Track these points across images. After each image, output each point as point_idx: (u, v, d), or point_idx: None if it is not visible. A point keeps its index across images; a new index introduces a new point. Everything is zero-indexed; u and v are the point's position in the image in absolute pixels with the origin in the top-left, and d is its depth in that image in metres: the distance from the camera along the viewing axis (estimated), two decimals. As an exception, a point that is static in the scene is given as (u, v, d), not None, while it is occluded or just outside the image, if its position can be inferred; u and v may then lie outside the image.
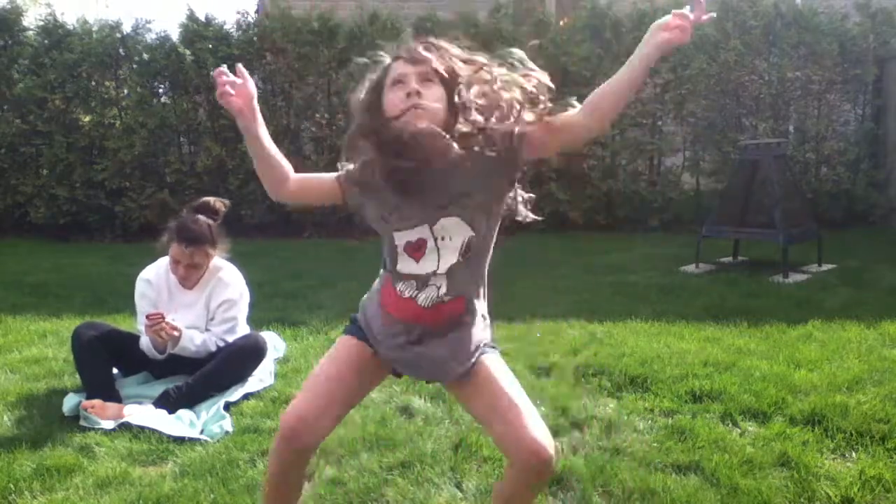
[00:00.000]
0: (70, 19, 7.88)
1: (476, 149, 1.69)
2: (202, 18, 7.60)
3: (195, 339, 3.26)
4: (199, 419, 2.97)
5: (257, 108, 1.87)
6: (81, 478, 2.48)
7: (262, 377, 3.35)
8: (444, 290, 1.78)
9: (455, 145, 1.67)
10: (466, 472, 2.48)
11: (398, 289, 1.81)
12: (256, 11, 9.34)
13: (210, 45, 7.44)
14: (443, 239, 1.76)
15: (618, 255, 6.41)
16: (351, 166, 1.84)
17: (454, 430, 2.82)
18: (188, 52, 7.52)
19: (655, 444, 2.66)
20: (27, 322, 4.39)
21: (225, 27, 7.60)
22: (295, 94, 7.65)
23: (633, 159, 7.86)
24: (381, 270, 1.91)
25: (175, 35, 7.62)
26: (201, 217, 3.30)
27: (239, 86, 1.86)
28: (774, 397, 3.03)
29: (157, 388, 3.21)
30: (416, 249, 1.78)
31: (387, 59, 1.80)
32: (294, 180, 1.89)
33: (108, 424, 2.89)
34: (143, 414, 2.96)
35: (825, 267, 5.68)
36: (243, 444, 2.71)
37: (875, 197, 7.72)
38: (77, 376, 3.43)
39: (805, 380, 3.23)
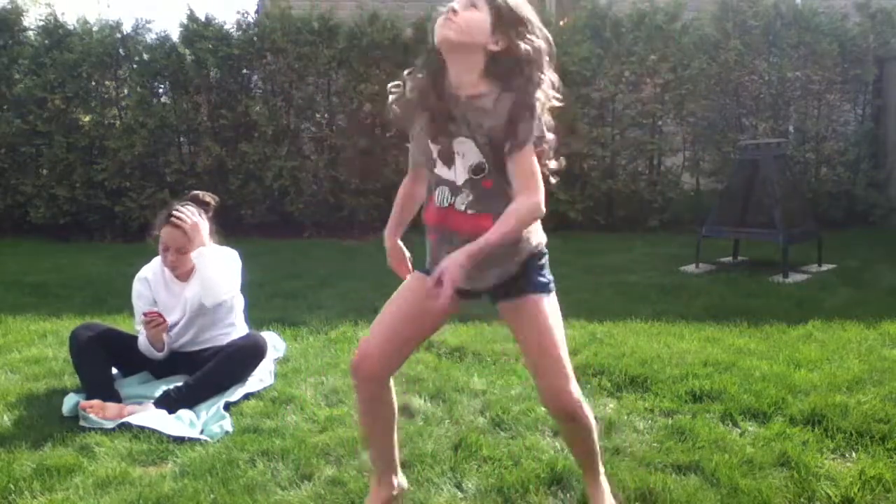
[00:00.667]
0: (70, 19, 7.87)
1: (492, 98, 1.95)
2: (202, 18, 7.60)
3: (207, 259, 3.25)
4: (199, 419, 2.97)
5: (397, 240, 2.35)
6: (81, 478, 2.48)
7: (262, 377, 3.35)
8: (471, 197, 1.99)
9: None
10: (466, 472, 2.48)
11: (436, 198, 2.05)
12: (256, 11, 9.35)
13: (210, 45, 7.44)
14: (460, 154, 1.99)
15: (618, 255, 6.41)
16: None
17: (454, 430, 2.82)
18: (188, 52, 7.52)
19: (655, 444, 2.66)
20: (27, 322, 4.39)
21: (225, 27, 7.59)
22: (295, 94, 7.65)
23: (633, 159, 7.86)
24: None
25: (175, 35, 7.63)
26: (189, 204, 3.36)
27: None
28: (774, 397, 3.03)
29: (157, 388, 3.21)
30: (447, 158, 2.01)
31: None
32: (411, 172, 2.24)
33: (108, 424, 2.89)
34: (142, 414, 2.95)
35: (825, 267, 5.68)
36: (243, 444, 2.71)
37: (875, 197, 7.71)
38: (76, 376, 3.43)
39: (805, 380, 3.23)
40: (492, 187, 1.99)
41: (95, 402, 2.96)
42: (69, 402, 3.04)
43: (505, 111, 1.92)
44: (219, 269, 3.29)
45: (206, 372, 3.18)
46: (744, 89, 7.76)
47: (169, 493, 2.36)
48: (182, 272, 3.37)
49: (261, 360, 3.35)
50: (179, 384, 3.14)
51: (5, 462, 2.57)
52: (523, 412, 2.96)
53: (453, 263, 1.85)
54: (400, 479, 2.28)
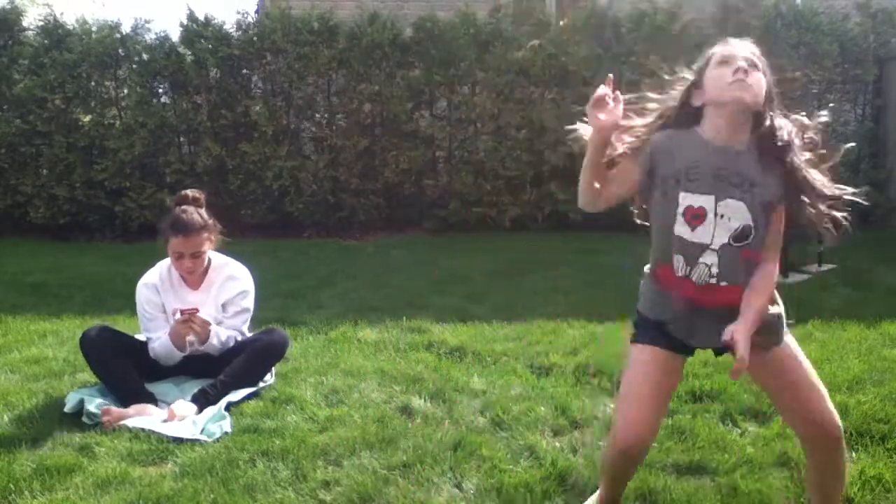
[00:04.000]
0: (69, 19, 7.85)
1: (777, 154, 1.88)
2: (202, 18, 7.60)
3: (220, 334, 3.30)
4: (200, 419, 2.97)
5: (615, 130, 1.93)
6: (81, 478, 2.48)
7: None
8: (714, 269, 1.88)
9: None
10: (466, 472, 2.48)
11: (673, 266, 1.91)
12: (256, 11, 9.34)
13: (210, 45, 7.44)
14: (722, 217, 1.86)
15: (618, 255, 6.38)
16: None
17: (454, 430, 2.82)
18: (188, 52, 7.52)
19: (655, 444, 2.65)
20: (27, 322, 4.39)
21: (225, 27, 7.59)
22: (295, 94, 7.65)
23: (633, 159, 7.85)
24: (645, 269, 2.05)
25: (175, 35, 7.63)
26: (188, 207, 3.33)
27: (610, 109, 1.88)
28: (774, 397, 3.02)
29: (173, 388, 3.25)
30: (696, 217, 1.87)
31: (715, 48, 1.96)
32: (606, 194, 1.99)
33: (134, 422, 2.89)
34: (142, 417, 2.96)
35: (825, 267, 5.68)
36: (243, 444, 2.71)
37: (875, 197, 7.71)
38: (77, 376, 3.44)
39: (805, 380, 3.23)
40: (750, 258, 1.90)
41: (115, 410, 2.95)
42: (72, 399, 3.04)
43: (776, 170, 1.88)
44: (227, 343, 3.33)
45: (237, 368, 3.20)
46: (744, 89, 7.74)
47: (169, 493, 2.36)
48: (194, 277, 3.37)
49: (284, 355, 3.42)
50: (214, 381, 3.15)
51: (5, 462, 2.57)
52: (523, 412, 2.95)
53: (743, 338, 1.81)
54: None
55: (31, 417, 2.98)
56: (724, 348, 1.91)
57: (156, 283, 3.35)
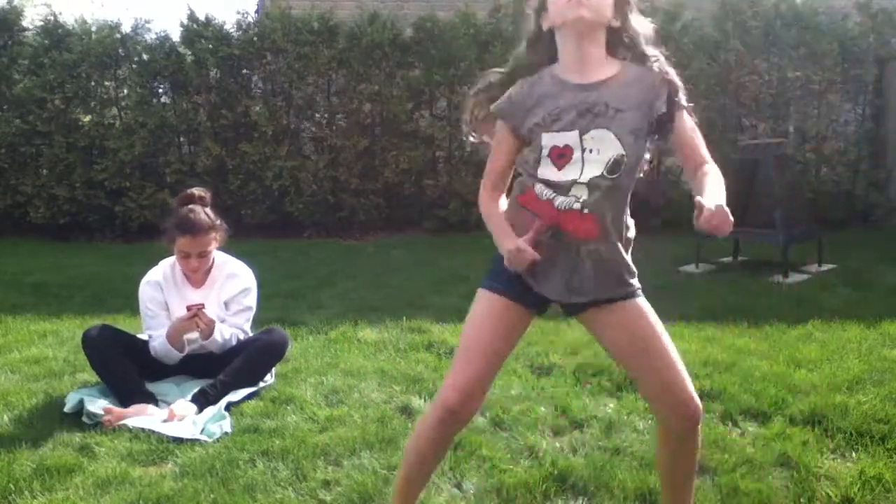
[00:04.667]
0: (68, 19, 7.86)
1: (634, 72, 1.81)
2: (202, 18, 7.60)
3: (224, 331, 3.29)
4: (200, 419, 2.97)
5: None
6: (81, 478, 2.48)
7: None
8: (583, 198, 1.78)
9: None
10: (466, 472, 2.48)
11: (536, 190, 1.82)
12: (256, 11, 9.34)
13: (210, 45, 7.44)
14: (590, 151, 1.78)
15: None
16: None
17: (454, 430, 2.81)
18: (188, 52, 7.52)
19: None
20: (27, 322, 4.39)
21: (225, 27, 7.60)
22: (295, 94, 7.65)
23: (633, 159, 7.85)
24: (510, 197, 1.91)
25: (175, 35, 7.64)
26: (194, 206, 3.32)
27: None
28: (774, 397, 3.03)
29: (172, 387, 3.25)
30: (561, 156, 1.79)
31: None
32: (503, 184, 1.92)
33: (134, 422, 2.89)
34: (142, 417, 2.96)
35: (825, 267, 5.68)
36: (243, 444, 2.71)
37: (875, 197, 7.71)
38: (77, 376, 3.43)
39: (805, 380, 3.23)
40: (620, 188, 1.81)
41: (116, 410, 2.95)
42: (72, 399, 3.04)
43: (651, 87, 1.81)
44: (229, 341, 3.33)
45: (237, 368, 3.20)
46: (744, 89, 7.75)
47: (169, 493, 2.36)
48: (198, 275, 3.37)
49: (284, 355, 3.41)
50: (214, 381, 3.15)
51: (5, 462, 2.57)
52: (523, 412, 2.95)
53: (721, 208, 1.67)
54: None
55: (31, 417, 2.98)
56: (573, 304, 1.88)
57: (159, 281, 3.36)
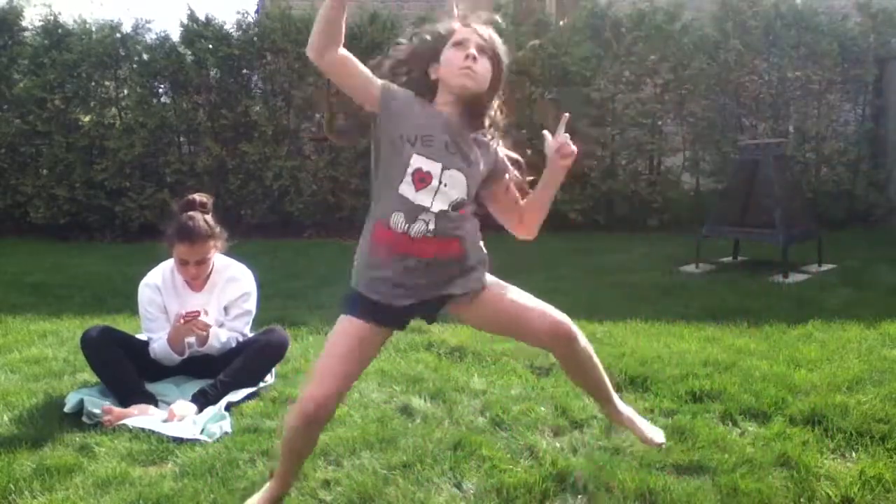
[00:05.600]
0: (68, 19, 7.86)
1: (488, 145, 2.12)
2: (202, 18, 7.60)
3: (220, 336, 3.29)
4: (200, 419, 2.97)
5: None
6: (81, 478, 2.48)
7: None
8: (431, 226, 2.01)
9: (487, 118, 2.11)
10: (466, 472, 2.48)
11: (391, 222, 2.01)
12: (256, 11, 9.34)
13: (210, 45, 7.44)
14: (445, 185, 2.01)
15: (618, 255, 6.41)
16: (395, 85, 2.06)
17: (454, 430, 2.82)
18: (188, 52, 7.52)
19: (655, 444, 2.66)
20: (27, 322, 4.39)
21: (225, 27, 7.59)
22: (295, 94, 7.65)
23: (633, 159, 7.86)
24: (367, 223, 2.11)
25: (175, 35, 7.63)
26: (194, 213, 3.29)
27: None
28: (774, 397, 3.03)
29: (173, 387, 3.24)
30: (422, 180, 2.00)
31: (454, 23, 2.09)
32: (342, 52, 2.01)
33: (134, 422, 2.89)
34: (142, 417, 2.96)
35: (825, 267, 5.68)
36: (243, 444, 2.71)
37: (875, 197, 7.71)
38: (77, 376, 3.43)
39: (805, 380, 3.23)
40: (464, 214, 2.06)
41: (116, 410, 2.95)
42: (72, 399, 3.04)
43: (497, 155, 2.13)
44: (228, 343, 3.32)
45: (237, 368, 3.20)
46: (744, 89, 7.75)
47: (169, 493, 2.36)
48: (198, 282, 3.36)
49: (284, 355, 3.41)
50: (214, 382, 3.15)
51: (5, 462, 2.57)
52: (523, 412, 2.95)
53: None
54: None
55: (31, 417, 2.98)
56: (432, 313, 2.18)
57: (158, 285, 3.34)
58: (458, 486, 2.41)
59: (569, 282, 5.27)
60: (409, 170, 2.00)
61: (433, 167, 2.00)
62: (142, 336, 3.40)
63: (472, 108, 2.07)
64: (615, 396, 2.32)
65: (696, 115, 7.79)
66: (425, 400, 3.11)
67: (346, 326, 2.13)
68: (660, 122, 7.85)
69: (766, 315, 4.30)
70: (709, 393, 3.12)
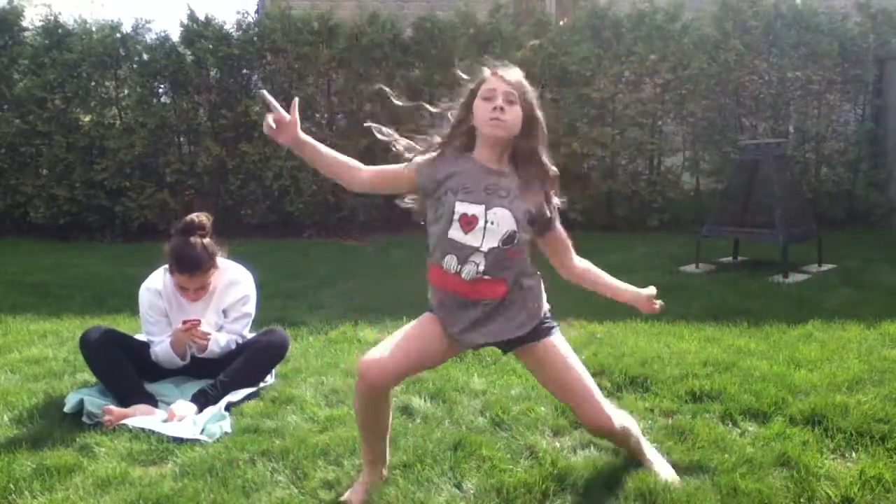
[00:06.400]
0: (68, 19, 7.86)
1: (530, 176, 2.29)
2: (202, 18, 7.60)
3: (220, 341, 3.29)
4: (200, 419, 2.97)
5: (302, 137, 2.40)
6: (81, 478, 2.48)
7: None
8: (482, 267, 2.22)
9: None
10: (466, 472, 2.48)
11: (444, 265, 2.24)
12: (256, 11, 9.34)
13: (210, 45, 7.44)
14: (492, 224, 2.20)
15: (618, 255, 6.40)
16: (419, 158, 2.33)
17: (454, 430, 2.82)
18: (188, 51, 7.52)
19: (655, 444, 2.66)
20: (27, 322, 4.39)
21: (225, 27, 7.58)
22: (295, 94, 7.63)
23: (633, 159, 7.86)
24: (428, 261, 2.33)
25: (175, 35, 7.63)
26: (192, 239, 3.22)
27: (285, 125, 2.41)
28: (774, 397, 3.03)
29: (174, 388, 3.24)
30: (468, 223, 2.21)
31: (485, 72, 2.29)
32: (367, 173, 2.39)
33: (134, 422, 2.89)
34: (142, 417, 2.96)
35: (825, 267, 5.68)
36: (243, 444, 2.71)
37: (875, 197, 7.71)
38: (77, 376, 3.43)
39: (805, 380, 3.23)
40: (514, 256, 2.25)
41: (116, 410, 2.95)
42: (71, 399, 3.04)
43: (540, 191, 2.29)
44: (227, 347, 3.32)
45: (237, 368, 3.20)
46: (744, 89, 7.75)
47: (169, 493, 2.36)
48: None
49: (284, 356, 3.41)
50: (214, 382, 3.15)
51: (5, 462, 2.57)
52: (523, 412, 2.96)
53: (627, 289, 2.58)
54: (385, 471, 2.44)
55: (31, 417, 2.98)
56: (496, 343, 2.37)
57: (159, 289, 3.33)
58: (458, 486, 2.41)
59: (568, 282, 5.26)
60: (455, 216, 2.21)
61: (477, 210, 2.20)
62: (141, 337, 3.40)
63: (515, 149, 2.28)
64: (648, 452, 2.52)
65: (696, 115, 7.79)
66: (425, 400, 3.11)
67: (423, 317, 2.36)
68: (660, 122, 7.85)
69: (765, 315, 4.30)
70: (709, 393, 3.12)
